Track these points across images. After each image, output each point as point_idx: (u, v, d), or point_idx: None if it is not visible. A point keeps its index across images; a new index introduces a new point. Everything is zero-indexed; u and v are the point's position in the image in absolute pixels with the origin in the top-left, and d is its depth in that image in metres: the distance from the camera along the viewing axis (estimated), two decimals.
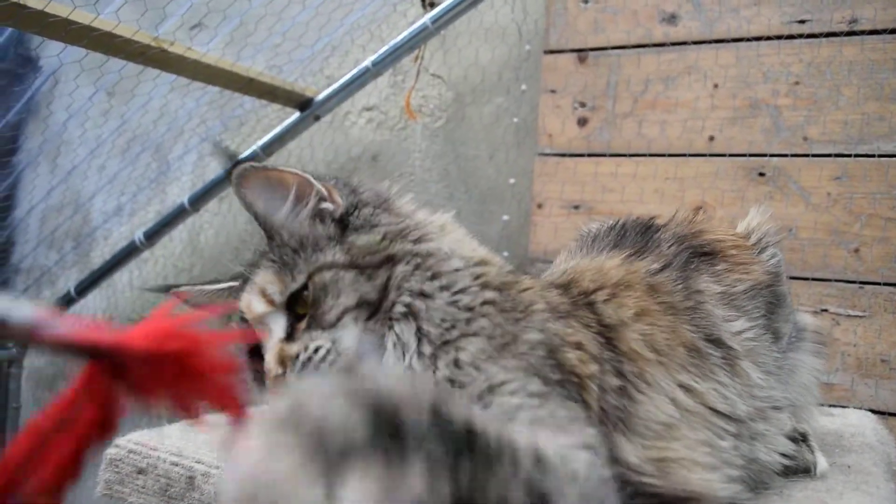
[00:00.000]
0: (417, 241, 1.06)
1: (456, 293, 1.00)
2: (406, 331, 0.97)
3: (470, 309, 0.98)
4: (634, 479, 0.88)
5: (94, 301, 3.51)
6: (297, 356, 0.97)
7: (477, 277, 1.03)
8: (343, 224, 1.07)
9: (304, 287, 1.01)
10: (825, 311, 2.04)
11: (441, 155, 2.75)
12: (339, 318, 0.98)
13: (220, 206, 3.22)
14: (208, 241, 3.29)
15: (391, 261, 1.02)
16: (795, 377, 1.32)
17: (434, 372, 0.93)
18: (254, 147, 2.69)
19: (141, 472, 1.26)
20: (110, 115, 2.90)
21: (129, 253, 3.04)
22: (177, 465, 1.22)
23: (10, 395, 3.36)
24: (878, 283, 2.01)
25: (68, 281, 3.45)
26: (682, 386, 1.03)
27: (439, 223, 1.13)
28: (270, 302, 1.02)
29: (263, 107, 2.98)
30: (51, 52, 2.09)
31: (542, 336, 0.95)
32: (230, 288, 1.16)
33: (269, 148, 2.69)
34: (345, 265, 1.00)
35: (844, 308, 2.03)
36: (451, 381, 0.91)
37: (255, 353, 1.04)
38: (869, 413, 1.76)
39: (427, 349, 0.95)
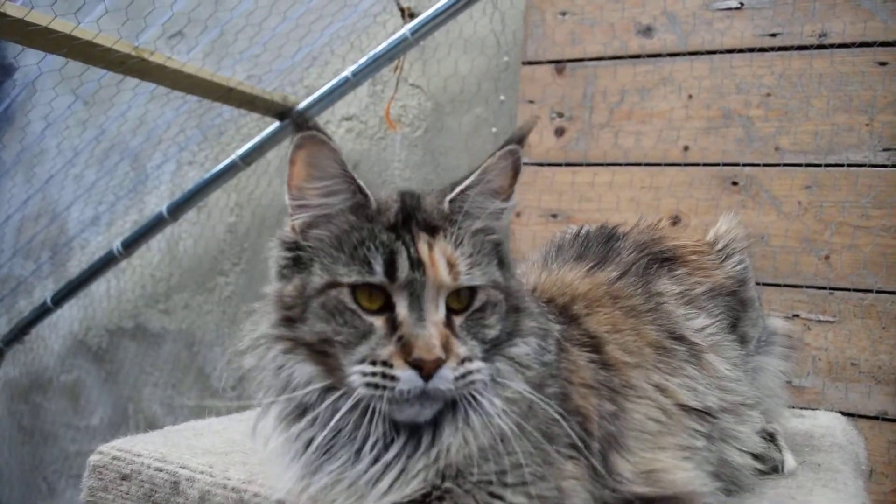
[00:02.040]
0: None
1: None
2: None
3: None
4: (627, 489, 0.98)
5: (70, 311, 3.50)
6: (464, 360, 0.93)
7: None
8: (501, 248, 1.05)
9: (476, 290, 0.98)
10: (796, 316, 2.08)
11: (421, 164, 2.78)
12: (489, 341, 0.97)
13: (199, 215, 3.23)
14: (187, 250, 3.29)
15: (518, 311, 1.02)
16: (762, 379, 1.37)
17: None
18: (233, 156, 2.70)
19: (125, 478, 1.26)
20: (88, 125, 2.91)
21: (106, 262, 3.03)
22: (161, 470, 1.23)
23: None
24: (848, 290, 2.06)
25: (45, 291, 3.44)
26: (656, 385, 1.10)
27: None
28: (455, 277, 0.95)
29: (242, 116, 2.99)
30: (29, 60, 2.09)
31: (558, 387, 1.00)
32: None
33: (249, 157, 2.71)
34: (505, 296, 1.00)
35: (815, 313, 2.08)
36: None
37: (367, 287, 0.95)
38: (839, 415, 1.81)
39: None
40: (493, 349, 0.98)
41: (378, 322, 0.93)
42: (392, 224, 0.97)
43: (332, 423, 0.93)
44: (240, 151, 2.70)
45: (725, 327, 1.30)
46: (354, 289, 0.94)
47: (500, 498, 0.91)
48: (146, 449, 1.29)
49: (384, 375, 0.90)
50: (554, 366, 1.02)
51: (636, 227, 1.41)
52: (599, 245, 1.35)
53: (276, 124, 2.66)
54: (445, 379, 0.90)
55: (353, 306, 0.94)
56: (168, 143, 3.07)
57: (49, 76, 2.31)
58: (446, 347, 0.91)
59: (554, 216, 2.41)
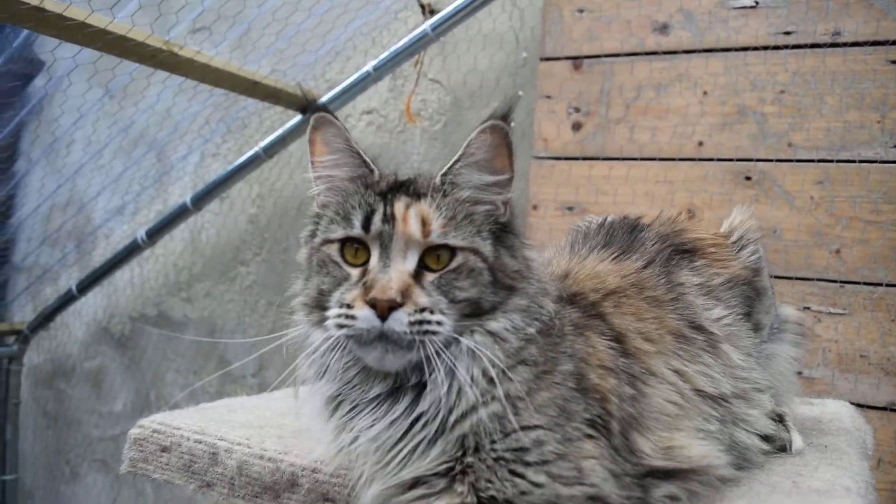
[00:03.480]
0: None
1: None
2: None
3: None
4: (647, 463, 1.04)
5: (94, 299, 3.57)
6: (423, 310, 1.00)
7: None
8: (503, 229, 1.11)
9: (454, 251, 1.05)
10: (808, 308, 2.13)
11: (439, 158, 2.84)
12: (459, 301, 1.03)
13: (222, 205, 3.30)
14: (209, 239, 3.35)
15: (510, 290, 1.08)
16: (774, 365, 1.43)
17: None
18: (256, 148, 2.76)
19: (164, 449, 1.33)
20: (117, 118, 2.98)
21: (130, 251, 3.10)
22: (200, 442, 1.30)
23: (10, 391, 3.41)
24: (858, 283, 2.10)
25: (70, 279, 3.52)
26: (676, 371, 1.16)
27: None
28: (426, 234, 1.03)
29: (266, 109, 3.06)
30: (64, 53, 2.16)
31: (572, 366, 1.06)
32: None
33: (271, 149, 2.77)
34: (488, 267, 1.07)
35: (826, 306, 2.12)
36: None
37: (352, 242, 1.06)
38: (847, 403, 1.85)
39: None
40: (473, 321, 1.04)
41: (354, 272, 1.05)
42: (382, 191, 1.08)
43: (319, 360, 1.06)
44: (262, 144, 2.76)
45: (740, 317, 1.36)
46: (343, 244, 1.07)
47: (521, 476, 0.96)
48: (185, 423, 1.36)
49: (347, 316, 1.00)
50: (565, 346, 1.07)
51: (658, 220, 1.47)
52: (625, 234, 1.41)
53: (298, 117, 2.72)
54: (399, 321, 0.98)
55: (338, 259, 1.06)
56: (193, 135, 3.14)
57: (80, 70, 2.38)
58: (405, 294, 1.00)
59: (570, 209, 2.47)
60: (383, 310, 0.98)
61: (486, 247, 1.07)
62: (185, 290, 3.42)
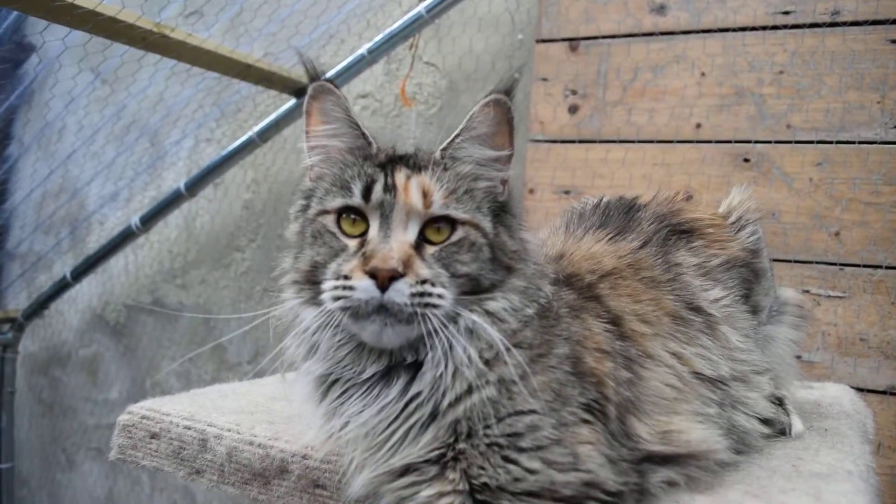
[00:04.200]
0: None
1: None
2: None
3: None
4: (644, 448, 1.02)
5: (89, 286, 3.56)
6: (425, 282, 0.97)
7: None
8: (502, 208, 1.10)
9: (455, 224, 1.03)
10: (807, 291, 2.11)
11: (435, 141, 2.79)
12: (460, 275, 1.01)
13: (216, 191, 3.27)
14: (204, 226, 3.33)
15: (509, 270, 1.07)
16: (773, 348, 1.41)
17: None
18: (250, 133, 2.74)
19: (154, 436, 1.31)
20: (109, 102, 2.95)
21: (124, 238, 3.08)
22: (189, 428, 1.28)
23: (6, 379, 3.40)
24: (858, 265, 2.09)
25: (64, 266, 3.50)
26: (673, 353, 1.14)
27: None
28: (427, 205, 1.02)
29: (259, 93, 3.03)
30: (53, 36, 2.13)
31: (568, 349, 1.04)
32: None
33: (265, 134, 2.74)
34: (489, 243, 1.05)
35: (825, 289, 2.11)
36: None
37: (349, 213, 1.04)
38: (847, 386, 1.84)
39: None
40: (472, 299, 1.02)
41: (352, 243, 1.02)
42: (382, 162, 1.06)
43: (310, 339, 1.03)
44: (256, 128, 2.74)
45: (739, 298, 1.34)
46: (339, 214, 1.04)
47: (514, 462, 0.94)
48: (174, 409, 1.34)
49: (345, 287, 0.97)
50: (561, 328, 1.05)
51: (654, 200, 1.44)
52: (621, 214, 1.39)
53: (292, 101, 2.69)
54: (401, 292, 0.96)
55: (334, 229, 1.04)
56: (186, 120, 3.11)
57: (70, 53, 2.35)
58: (406, 264, 0.97)
59: (567, 192, 2.44)
60: (384, 280, 0.95)
61: (487, 223, 1.05)
62: (180, 276, 3.40)
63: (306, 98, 1.10)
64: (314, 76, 1.09)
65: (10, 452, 3.41)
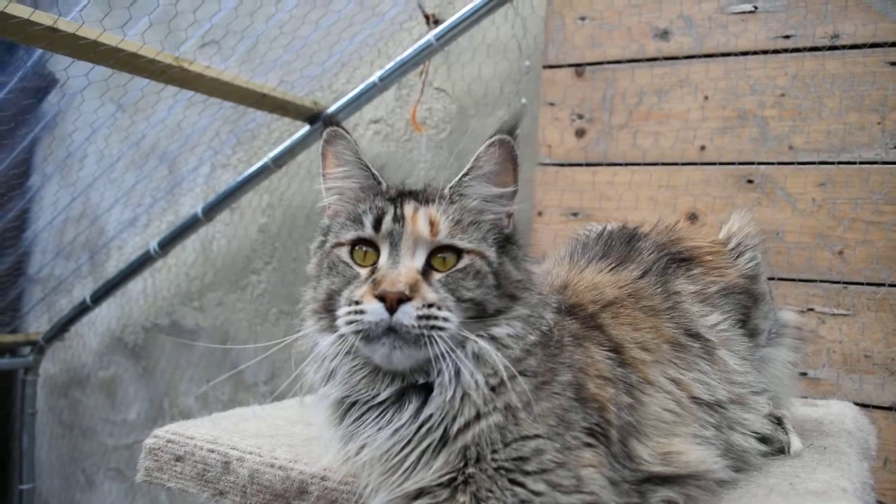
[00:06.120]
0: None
1: None
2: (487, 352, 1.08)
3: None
4: (645, 469, 1.07)
5: (108, 309, 3.62)
6: (431, 305, 1.03)
7: None
8: (507, 240, 1.16)
9: (461, 253, 1.09)
10: (811, 310, 2.15)
11: (445, 165, 2.87)
12: (465, 300, 1.07)
13: (232, 216, 3.34)
14: (220, 249, 3.40)
15: (513, 298, 1.12)
16: (771, 369, 1.45)
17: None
18: (265, 159, 2.81)
19: (179, 459, 1.37)
20: (129, 131, 3.02)
21: (143, 262, 3.15)
22: (213, 451, 1.33)
23: (27, 401, 3.46)
24: (861, 283, 2.12)
25: (84, 290, 3.57)
26: (672, 379, 1.20)
27: None
28: (434, 233, 1.08)
29: (275, 120, 3.10)
30: (77, 71, 2.21)
31: (571, 376, 1.08)
32: None
33: (280, 160, 2.81)
34: (493, 271, 1.10)
35: (829, 307, 2.14)
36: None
37: (362, 244, 1.11)
38: (851, 403, 1.87)
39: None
40: (477, 324, 1.07)
41: (364, 271, 1.09)
42: (392, 197, 1.14)
43: (327, 365, 1.09)
44: (271, 154, 2.81)
45: (736, 322, 1.38)
46: (353, 246, 1.11)
47: (521, 485, 0.99)
48: (198, 432, 1.39)
49: (357, 311, 1.03)
50: (564, 356, 1.10)
51: (655, 228, 1.49)
52: (622, 244, 1.44)
53: (306, 128, 2.76)
54: (408, 314, 1.01)
55: (348, 259, 1.11)
56: (203, 147, 3.18)
57: (93, 87, 2.42)
58: (413, 288, 1.03)
59: (575, 215, 2.49)
60: (392, 302, 1.01)
61: (491, 252, 1.11)
62: (197, 299, 3.46)
63: (321, 143, 1.18)
64: (326, 120, 1.19)
65: (31, 473, 3.47)
